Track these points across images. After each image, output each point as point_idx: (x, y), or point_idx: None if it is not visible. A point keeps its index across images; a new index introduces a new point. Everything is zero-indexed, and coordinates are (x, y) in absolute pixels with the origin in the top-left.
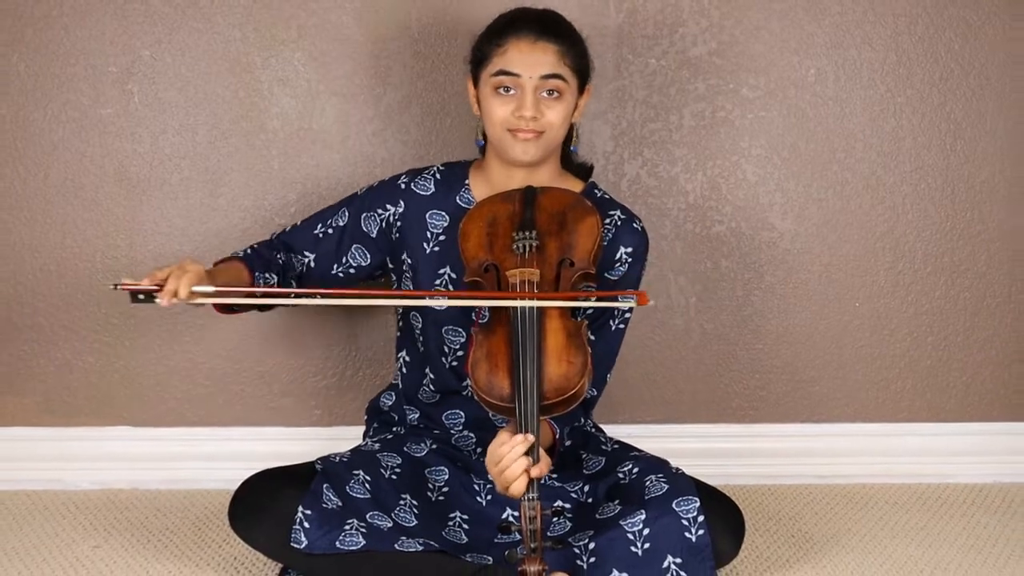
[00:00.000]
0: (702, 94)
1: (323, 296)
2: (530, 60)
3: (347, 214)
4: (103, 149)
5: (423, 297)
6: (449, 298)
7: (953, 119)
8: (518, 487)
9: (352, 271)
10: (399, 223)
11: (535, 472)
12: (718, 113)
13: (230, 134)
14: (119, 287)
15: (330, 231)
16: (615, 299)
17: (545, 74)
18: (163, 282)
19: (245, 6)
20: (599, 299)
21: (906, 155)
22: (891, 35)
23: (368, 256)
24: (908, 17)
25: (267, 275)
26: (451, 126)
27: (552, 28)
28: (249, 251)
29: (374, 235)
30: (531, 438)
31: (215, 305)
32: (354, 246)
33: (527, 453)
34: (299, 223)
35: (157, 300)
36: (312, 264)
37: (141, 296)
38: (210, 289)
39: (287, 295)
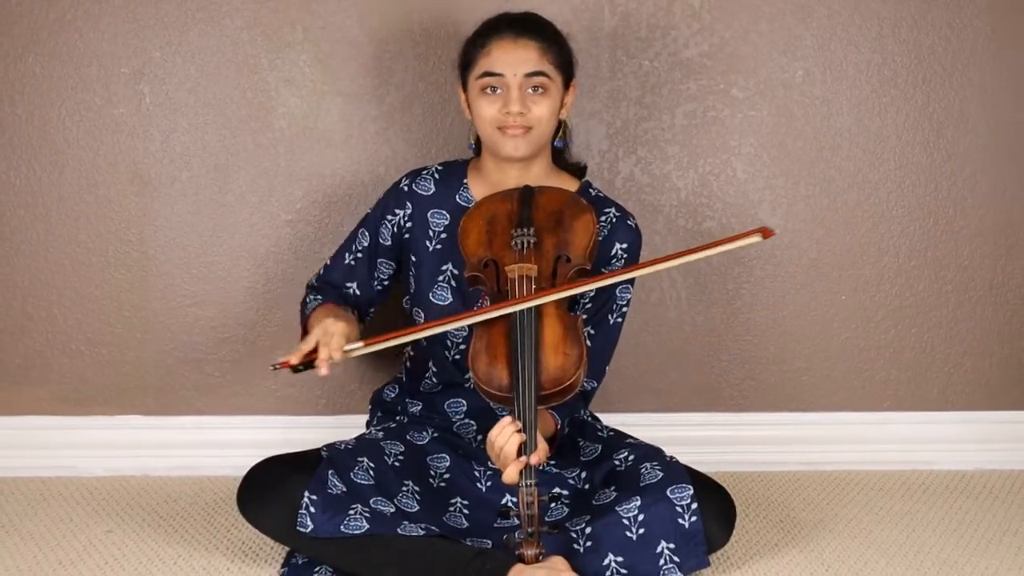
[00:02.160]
0: (694, 94)
1: (443, 324)
2: (513, 59)
3: (367, 234)
4: (115, 147)
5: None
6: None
7: (936, 118)
8: (511, 474)
9: (386, 282)
10: (408, 224)
11: (534, 459)
12: (709, 113)
13: (238, 133)
14: (277, 367)
15: (359, 255)
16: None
17: (528, 72)
18: (315, 351)
19: (252, 9)
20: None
21: (891, 153)
22: (876, 37)
23: (392, 265)
24: (892, 20)
25: (348, 308)
26: (452, 125)
27: (532, 27)
28: (319, 298)
29: (389, 243)
30: (517, 422)
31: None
32: (379, 260)
33: (522, 443)
34: (328, 262)
35: (316, 366)
36: (357, 291)
37: (301, 367)
38: (359, 344)
39: (416, 331)
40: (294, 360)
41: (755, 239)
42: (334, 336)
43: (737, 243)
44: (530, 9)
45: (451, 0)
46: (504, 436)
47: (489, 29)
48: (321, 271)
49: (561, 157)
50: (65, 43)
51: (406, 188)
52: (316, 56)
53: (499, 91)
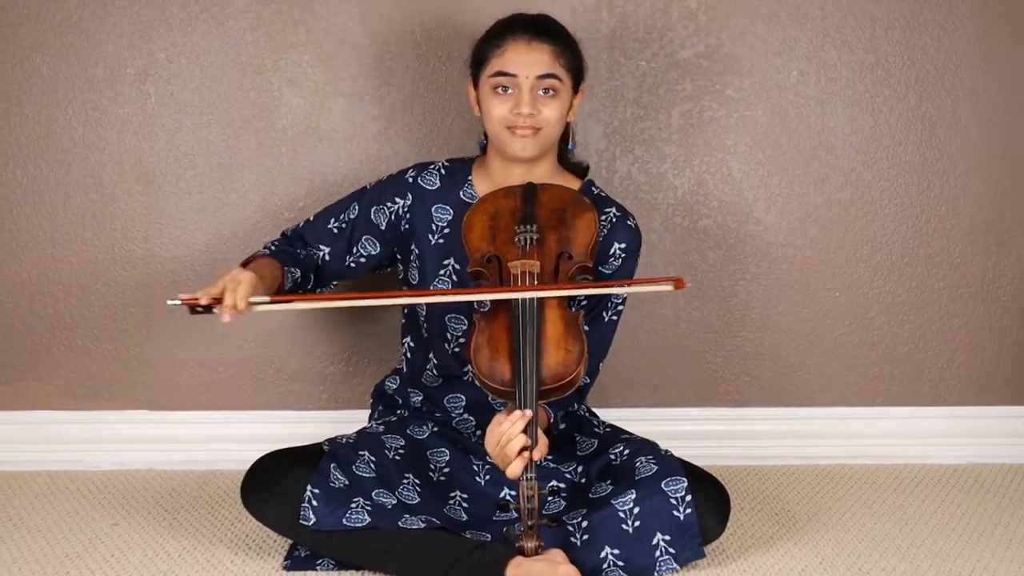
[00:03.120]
0: (690, 94)
1: (362, 298)
2: (526, 61)
3: (357, 207)
4: (121, 146)
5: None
6: (482, 294)
7: (928, 118)
8: (515, 468)
9: (363, 260)
10: (408, 215)
11: (536, 455)
12: (705, 112)
13: (242, 132)
14: (180, 303)
15: (343, 225)
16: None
17: (541, 74)
18: (220, 296)
19: (256, 10)
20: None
21: (884, 152)
22: (869, 38)
23: (377, 246)
24: (885, 21)
25: (292, 269)
26: (452, 124)
27: (546, 30)
28: (273, 247)
29: (383, 227)
30: (528, 414)
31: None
32: (364, 237)
33: (525, 431)
34: (311, 218)
35: (216, 312)
36: (327, 257)
37: (199, 309)
38: (266, 299)
39: (332, 299)
40: (203, 300)
41: (667, 287)
42: (241, 284)
43: (649, 287)
44: (528, 11)
45: (452, 1)
46: (514, 431)
47: (504, 29)
48: (300, 224)
49: (565, 156)
50: (71, 44)
51: (411, 179)
52: (318, 57)
53: (510, 91)
